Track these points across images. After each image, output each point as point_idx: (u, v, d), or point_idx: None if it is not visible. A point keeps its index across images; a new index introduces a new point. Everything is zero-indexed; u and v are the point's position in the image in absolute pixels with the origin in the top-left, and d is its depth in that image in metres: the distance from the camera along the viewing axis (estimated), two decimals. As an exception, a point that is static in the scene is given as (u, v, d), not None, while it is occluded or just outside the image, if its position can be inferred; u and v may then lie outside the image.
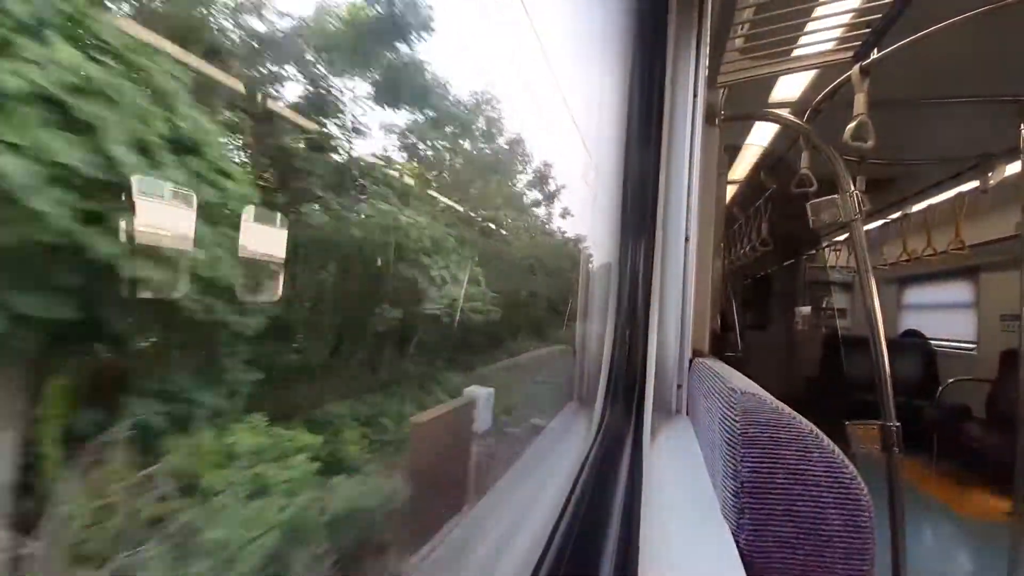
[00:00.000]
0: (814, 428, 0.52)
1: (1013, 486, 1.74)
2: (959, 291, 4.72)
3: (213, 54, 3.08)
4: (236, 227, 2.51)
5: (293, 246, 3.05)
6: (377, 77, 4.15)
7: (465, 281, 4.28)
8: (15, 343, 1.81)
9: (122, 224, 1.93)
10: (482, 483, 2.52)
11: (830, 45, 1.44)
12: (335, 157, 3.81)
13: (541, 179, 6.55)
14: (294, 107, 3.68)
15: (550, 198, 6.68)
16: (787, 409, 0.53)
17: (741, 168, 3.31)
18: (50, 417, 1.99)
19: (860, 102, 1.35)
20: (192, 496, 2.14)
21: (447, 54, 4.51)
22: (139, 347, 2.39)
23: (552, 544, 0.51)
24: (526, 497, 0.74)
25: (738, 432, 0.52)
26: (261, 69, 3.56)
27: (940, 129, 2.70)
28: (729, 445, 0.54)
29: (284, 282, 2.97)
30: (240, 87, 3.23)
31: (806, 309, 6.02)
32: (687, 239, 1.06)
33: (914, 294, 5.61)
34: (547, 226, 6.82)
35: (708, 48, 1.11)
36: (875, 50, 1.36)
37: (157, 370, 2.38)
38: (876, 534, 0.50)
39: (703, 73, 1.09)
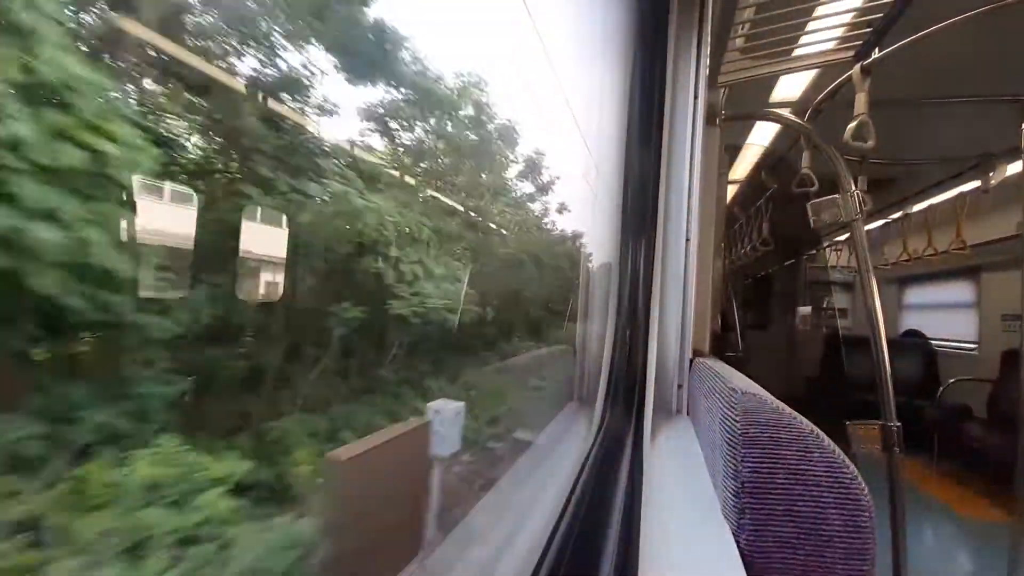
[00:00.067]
0: (815, 428, 0.52)
1: (1014, 486, 1.74)
2: (960, 291, 4.71)
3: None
4: (124, 204, 2.05)
5: (227, 232, 2.59)
6: (337, 39, 3.55)
7: (441, 276, 3.91)
8: None
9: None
10: (446, 519, 2.18)
11: (831, 45, 1.44)
12: (287, 135, 3.27)
13: (533, 169, 6.10)
14: (232, 71, 3.11)
15: (543, 190, 6.25)
16: (788, 409, 0.53)
17: (742, 168, 3.31)
18: None
19: (861, 102, 1.34)
20: (40, 551, 1.59)
21: (437, 34, 4.24)
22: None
23: (552, 544, 0.51)
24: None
25: (739, 432, 0.52)
26: (191, 19, 2.92)
27: (941, 129, 2.69)
28: (730, 445, 0.54)
29: (224, 275, 2.55)
30: (157, 38, 2.59)
31: (807, 309, 6.02)
32: (687, 239, 1.06)
33: (915, 294, 5.60)
34: (544, 220, 6.43)
35: (709, 48, 1.11)
36: (876, 50, 1.36)
37: (26, 384, 1.90)
38: (876, 534, 0.50)
39: (704, 73, 1.09)
